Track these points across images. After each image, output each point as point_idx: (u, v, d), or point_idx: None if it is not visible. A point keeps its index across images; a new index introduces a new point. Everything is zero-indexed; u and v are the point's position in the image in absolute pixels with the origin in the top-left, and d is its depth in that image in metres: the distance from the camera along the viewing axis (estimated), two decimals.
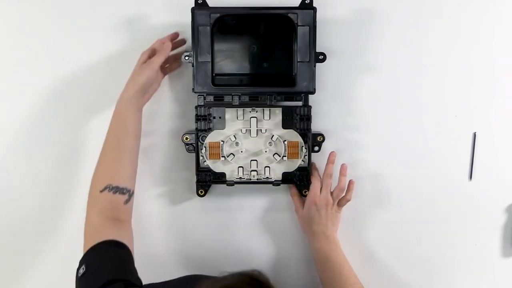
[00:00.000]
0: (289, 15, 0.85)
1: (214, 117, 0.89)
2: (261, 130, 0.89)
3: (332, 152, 0.91)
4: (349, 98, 0.93)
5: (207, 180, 0.90)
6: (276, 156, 0.89)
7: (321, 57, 0.87)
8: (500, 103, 0.94)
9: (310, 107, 0.88)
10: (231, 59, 0.90)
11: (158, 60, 0.84)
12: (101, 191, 0.81)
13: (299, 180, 0.90)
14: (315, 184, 0.89)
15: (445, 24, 0.93)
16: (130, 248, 0.80)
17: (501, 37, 0.93)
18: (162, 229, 0.95)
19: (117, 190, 0.81)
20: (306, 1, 0.85)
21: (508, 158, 0.94)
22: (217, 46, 0.88)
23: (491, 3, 0.92)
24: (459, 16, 0.93)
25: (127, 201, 0.83)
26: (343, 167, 0.90)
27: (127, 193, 0.83)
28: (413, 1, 0.92)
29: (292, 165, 0.90)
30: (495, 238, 0.95)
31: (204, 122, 0.88)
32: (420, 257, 0.95)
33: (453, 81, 0.93)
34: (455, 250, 0.95)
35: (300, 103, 0.88)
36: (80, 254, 0.78)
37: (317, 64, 0.87)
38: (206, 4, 0.85)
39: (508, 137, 0.94)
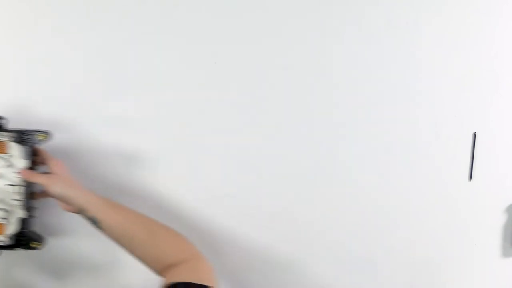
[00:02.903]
0: None
1: None
2: None
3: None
4: (349, 98, 0.93)
5: None
6: None
7: None
8: (500, 103, 0.94)
9: None
10: None
11: None
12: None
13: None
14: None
15: (445, 24, 0.93)
16: None
17: (501, 37, 0.93)
18: None
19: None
20: None
21: (508, 158, 0.94)
22: None
23: (492, 3, 0.92)
24: (459, 15, 0.92)
25: None
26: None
27: None
28: (413, 0, 0.92)
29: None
30: (495, 238, 0.95)
31: None
32: (420, 257, 0.95)
33: (453, 81, 0.93)
34: (455, 250, 0.95)
35: None
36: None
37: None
38: None
39: (508, 137, 0.94)
